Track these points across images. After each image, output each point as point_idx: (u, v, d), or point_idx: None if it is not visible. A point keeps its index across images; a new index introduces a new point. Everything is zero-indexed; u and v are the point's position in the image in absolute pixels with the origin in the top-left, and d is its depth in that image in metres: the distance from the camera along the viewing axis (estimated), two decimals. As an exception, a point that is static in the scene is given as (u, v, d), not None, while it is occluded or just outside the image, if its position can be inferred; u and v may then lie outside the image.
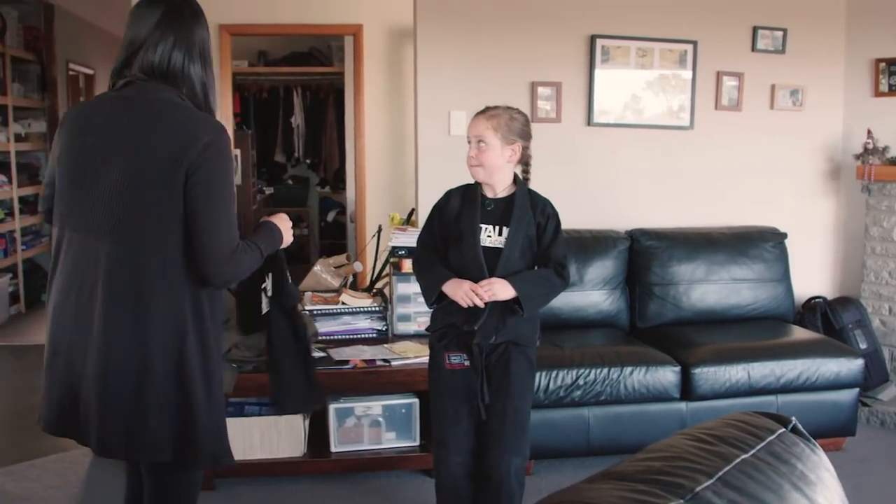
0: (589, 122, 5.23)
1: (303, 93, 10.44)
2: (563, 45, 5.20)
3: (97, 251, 2.27)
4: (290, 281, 2.75)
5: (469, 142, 3.17)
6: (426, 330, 3.38)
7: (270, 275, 2.68)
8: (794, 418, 1.44)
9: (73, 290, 2.31)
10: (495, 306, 3.08)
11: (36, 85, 8.97)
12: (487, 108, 3.17)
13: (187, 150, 2.22)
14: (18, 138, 8.47)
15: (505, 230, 3.10)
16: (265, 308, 2.68)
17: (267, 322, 2.70)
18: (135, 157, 2.24)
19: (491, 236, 3.11)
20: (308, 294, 4.70)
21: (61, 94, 9.34)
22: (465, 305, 3.05)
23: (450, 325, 3.17)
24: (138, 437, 2.30)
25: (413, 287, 4.47)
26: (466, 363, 3.14)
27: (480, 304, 3.03)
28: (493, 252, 3.10)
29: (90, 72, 10.38)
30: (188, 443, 2.33)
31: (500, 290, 3.03)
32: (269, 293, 2.68)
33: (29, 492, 4.14)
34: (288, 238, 2.60)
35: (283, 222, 2.61)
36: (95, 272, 2.27)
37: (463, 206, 3.19)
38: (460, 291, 3.05)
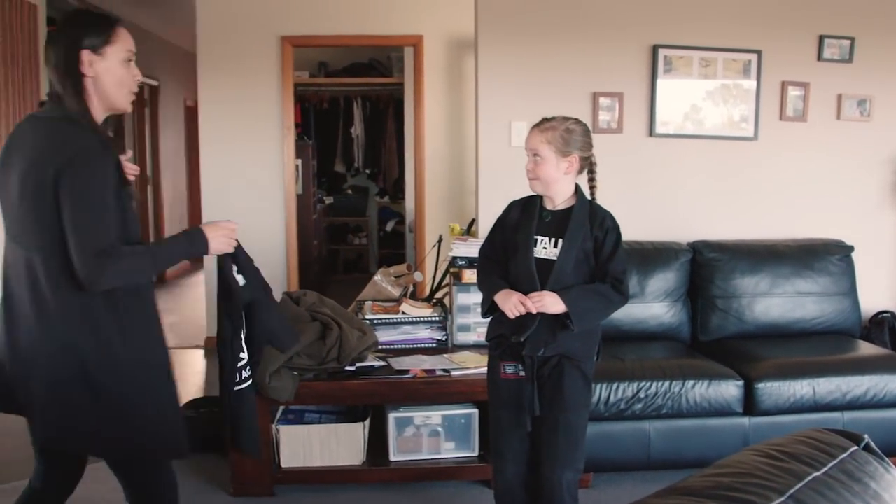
0: (651, 132, 5.19)
1: (363, 103, 10.52)
2: (624, 56, 5.17)
3: (18, 255, 2.50)
4: (237, 285, 2.84)
5: (527, 154, 3.16)
6: (486, 340, 3.37)
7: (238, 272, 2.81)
8: (866, 436, 1.41)
9: (6, 289, 2.56)
10: (546, 319, 3.06)
11: (103, 96, 9.15)
12: (543, 121, 3.16)
13: (57, 163, 2.36)
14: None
15: (560, 242, 3.09)
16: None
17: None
18: (26, 171, 2.43)
19: (546, 248, 3.10)
20: (368, 303, 4.73)
21: (127, 105, 9.51)
22: (511, 317, 3.05)
23: (500, 336, 3.17)
24: (64, 431, 2.50)
25: (473, 297, 4.48)
26: (521, 374, 3.13)
27: (532, 309, 3.02)
28: (546, 264, 3.08)
29: (155, 83, 10.57)
30: (112, 440, 2.50)
31: (551, 303, 3.01)
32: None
33: (92, 493, 4.19)
34: (217, 246, 2.66)
35: (215, 229, 2.66)
36: (17, 274, 2.50)
37: (522, 217, 3.18)
38: (509, 303, 3.05)
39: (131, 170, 2.80)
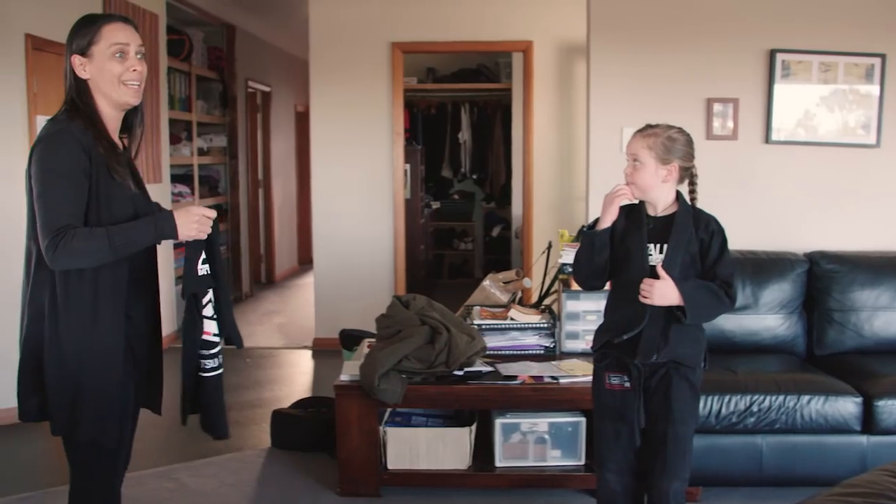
0: (767, 139, 5.07)
1: (470, 109, 10.56)
2: (740, 60, 5.06)
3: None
4: (195, 275, 2.72)
5: (627, 159, 3.12)
6: (591, 350, 3.33)
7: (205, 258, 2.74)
8: None
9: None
10: (655, 319, 3.01)
11: (218, 102, 9.42)
12: (647, 127, 3.10)
13: (30, 151, 2.55)
14: (201, 152, 8.91)
15: (665, 248, 3.04)
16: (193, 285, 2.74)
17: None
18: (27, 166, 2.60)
19: (652, 255, 3.05)
20: (476, 308, 4.73)
21: (240, 111, 9.78)
22: (615, 202, 3.08)
23: (606, 346, 3.14)
24: (21, 400, 2.66)
25: (582, 304, 4.44)
26: (627, 384, 3.09)
27: (629, 197, 3.06)
28: (653, 270, 3.03)
29: (267, 89, 10.82)
30: (45, 411, 2.63)
31: (663, 292, 2.95)
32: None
33: (206, 487, 4.32)
34: (186, 232, 2.61)
35: (185, 214, 2.62)
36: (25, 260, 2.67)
37: (628, 225, 3.13)
38: (607, 198, 3.11)
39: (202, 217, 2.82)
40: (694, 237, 3.05)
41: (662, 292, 2.95)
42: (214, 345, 2.78)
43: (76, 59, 2.61)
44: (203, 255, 2.70)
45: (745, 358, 4.49)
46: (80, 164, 2.50)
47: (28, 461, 4.63)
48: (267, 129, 10.92)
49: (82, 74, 2.62)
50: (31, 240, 2.58)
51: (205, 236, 2.66)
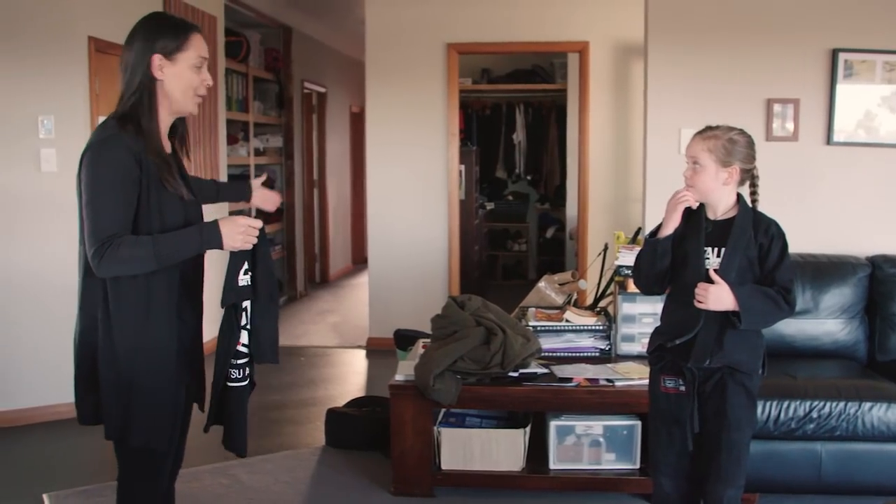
0: (828, 140, 4.98)
1: (525, 109, 10.54)
2: (801, 60, 4.98)
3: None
4: (235, 285, 2.70)
5: (687, 161, 3.08)
6: (646, 352, 3.30)
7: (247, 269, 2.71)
8: None
9: None
10: (710, 323, 2.97)
11: (274, 103, 9.51)
12: (707, 129, 3.05)
13: (80, 157, 2.56)
14: (257, 152, 9.02)
15: (723, 252, 2.99)
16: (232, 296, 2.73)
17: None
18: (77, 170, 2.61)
19: (709, 258, 3.01)
20: (532, 310, 4.72)
21: (296, 112, 9.86)
22: (679, 204, 3.01)
23: (661, 349, 3.10)
24: (78, 404, 2.68)
25: (638, 307, 4.41)
26: (682, 388, 3.06)
27: (691, 202, 3.01)
28: (710, 274, 2.99)
29: (322, 90, 10.89)
30: (98, 414, 2.64)
31: (718, 296, 2.91)
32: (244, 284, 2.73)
33: (261, 484, 4.36)
34: (232, 243, 2.60)
35: (231, 224, 2.61)
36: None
37: (687, 227, 3.08)
38: (670, 202, 3.04)
39: (269, 200, 2.88)
40: (753, 241, 3.00)
41: (717, 297, 2.91)
42: (243, 355, 2.77)
43: (157, 59, 2.60)
44: (245, 266, 2.70)
45: (805, 363, 4.42)
46: (130, 171, 2.50)
47: (88, 454, 4.72)
48: (322, 129, 11.00)
49: (157, 74, 2.61)
50: (81, 244, 2.61)
51: (250, 247, 2.66)
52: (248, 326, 2.76)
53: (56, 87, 5.25)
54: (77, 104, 5.31)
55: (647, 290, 3.24)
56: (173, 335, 2.64)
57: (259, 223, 2.67)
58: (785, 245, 3.03)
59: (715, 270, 2.96)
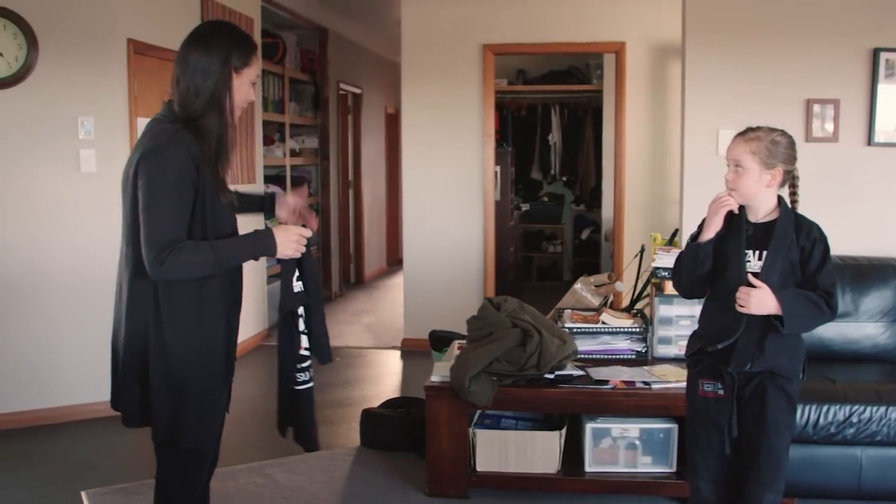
0: (869, 141, 4.92)
1: (560, 110, 10.51)
2: (841, 60, 4.93)
3: (121, 245, 2.70)
4: (292, 292, 2.79)
5: (727, 164, 3.03)
6: (685, 356, 3.26)
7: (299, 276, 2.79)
8: None
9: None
10: (751, 327, 2.94)
11: (310, 104, 9.56)
12: (748, 130, 2.99)
13: (136, 160, 2.56)
14: (293, 153, 9.06)
15: (764, 254, 2.96)
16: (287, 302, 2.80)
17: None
18: (127, 167, 2.63)
19: (750, 261, 2.97)
20: (567, 312, 4.70)
21: (332, 113, 9.90)
22: (722, 208, 2.96)
23: (700, 352, 3.07)
24: (124, 406, 2.71)
25: (675, 309, 4.38)
26: (720, 392, 3.02)
27: (733, 206, 2.96)
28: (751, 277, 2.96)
29: (358, 91, 10.93)
30: (146, 416, 2.66)
31: (760, 299, 2.87)
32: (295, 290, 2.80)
33: (297, 484, 4.38)
34: (284, 251, 2.66)
35: (285, 233, 2.68)
36: (119, 262, 2.72)
37: (727, 230, 3.04)
38: (713, 205, 2.99)
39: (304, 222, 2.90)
40: (795, 244, 2.96)
41: (760, 301, 2.87)
42: (306, 359, 2.85)
43: (231, 70, 2.67)
44: (297, 273, 2.77)
45: (845, 367, 4.37)
46: (190, 176, 2.53)
47: (126, 452, 4.77)
48: (357, 130, 11.03)
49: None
50: (129, 245, 2.61)
51: (300, 255, 2.72)
52: (306, 331, 2.83)
53: (96, 88, 5.31)
54: (116, 105, 5.36)
55: (687, 293, 3.22)
56: (222, 337, 2.69)
57: (309, 232, 2.75)
58: (827, 248, 2.99)
59: (756, 274, 2.92)
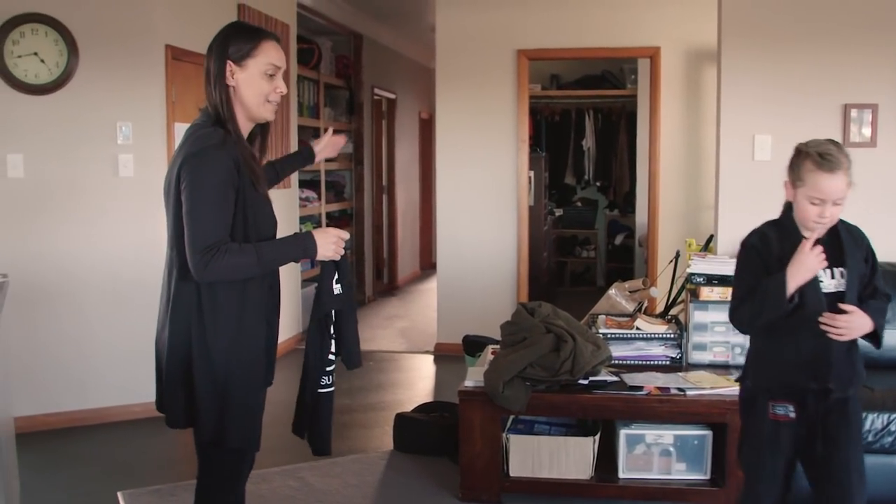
0: (908, 146, 4.86)
1: (594, 115, 10.47)
2: (879, 64, 4.88)
3: (166, 250, 2.72)
4: (331, 293, 2.78)
5: (814, 202, 2.75)
6: (745, 380, 3.04)
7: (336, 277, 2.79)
8: None
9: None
10: (842, 351, 2.80)
11: (344, 109, 9.60)
12: (829, 157, 2.72)
13: (179, 163, 2.57)
14: (327, 158, 9.07)
15: (837, 272, 2.81)
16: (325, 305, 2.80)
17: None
18: (168, 172, 2.65)
19: (823, 281, 2.80)
20: (602, 317, 4.68)
21: (366, 117, 9.94)
22: (819, 268, 2.72)
23: (770, 375, 2.90)
24: (166, 406, 2.71)
25: (710, 315, 4.36)
26: (792, 415, 2.86)
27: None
28: (830, 298, 2.79)
29: (392, 96, 10.96)
30: (192, 418, 2.66)
31: (860, 324, 2.73)
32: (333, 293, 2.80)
33: (330, 487, 4.40)
34: (325, 252, 2.68)
35: (324, 235, 2.69)
36: (165, 266, 2.73)
37: (787, 249, 2.82)
38: (807, 259, 2.69)
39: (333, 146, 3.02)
40: (861, 256, 2.86)
41: (859, 325, 2.73)
42: (332, 363, 2.86)
43: (229, 65, 2.65)
44: (336, 275, 2.78)
45: (883, 374, 4.30)
46: (233, 179, 2.55)
47: (161, 453, 4.80)
48: (392, 135, 11.07)
49: (229, 81, 2.66)
50: (173, 249, 2.63)
51: (339, 257, 2.74)
52: (334, 335, 2.84)
53: (134, 93, 5.38)
54: (154, 110, 5.42)
55: (751, 330, 3.01)
56: (263, 339, 2.72)
57: (347, 235, 2.76)
58: (873, 250, 2.91)
59: (839, 295, 2.77)
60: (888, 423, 3.82)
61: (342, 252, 2.74)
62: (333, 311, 2.82)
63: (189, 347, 2.62)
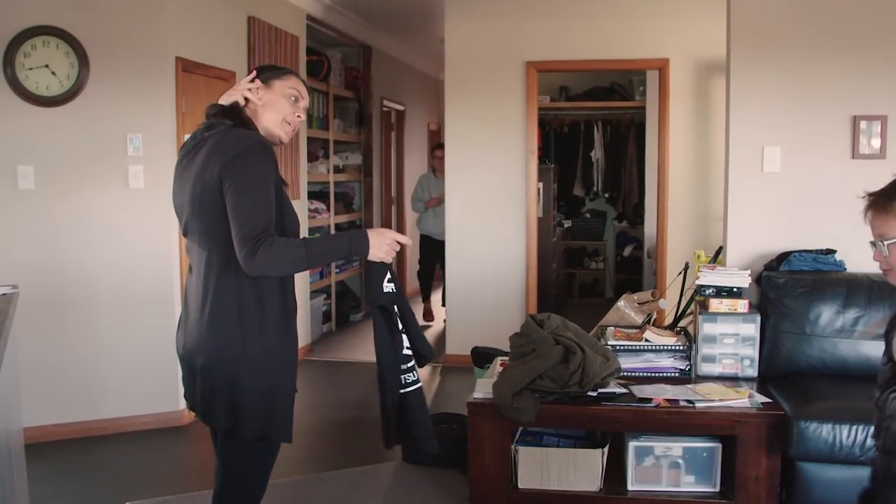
0: (918, 158, 4.85)
1: (603, 127, 10.48)
2: (889, 76, 4.85)
3: (197, 253, 2.74)
4: (381, 292, 2.81)
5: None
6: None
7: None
8: None
9: (186, 286, 2.84)
10: None
11: (354, 120, 9.63)
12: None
13: (224, 160, 2.60)
14: (336, 170, 9.13)
15: None
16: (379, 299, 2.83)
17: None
18: (200, 170, 2.67)
19: None
20: (611, 329, 4.68)
21: (375, 129, 9.97)
22: None
23: None
24: (206, 405, 2.70)
25: (719, 327, 4.35)
26: None
27: None
28: None
29: (401, 108, 10.99)
30: (236, 415, 2.67)
31: None
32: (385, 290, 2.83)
33: (337, 498, 4.40)
34: (377, 253, 2.72)
35: (379, 236, 2.74)
36: (197, 269, 2.74)
37: None
38: None
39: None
40: None
41: None
42: (410, 358, 2.87)
43: (256, 82, 2.82)
44: (388, 276, 2.81)
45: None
46: (275, 175, 2.65)
47: (169, 465, 4.81)
48: (401, 146, 11.09)
49: (253, 98, 2.81)
50: (213, 249, 2.66)
51: (390, 260, 2.78)
52: (405, 330, 2.86)
53: (145, 105, 5.41)
54: (164, 122, 5.45)
55: None
56: (297, 337, 2.81)
57: (407, 239, 2.83)
58: None
59: None
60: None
61: (394, 254, 2.79)
62: (396, 307, 2.85)
63: (232, 345, 2.65)
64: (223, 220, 2.59)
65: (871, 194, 2.55)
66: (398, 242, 2.78)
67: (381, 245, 2.73)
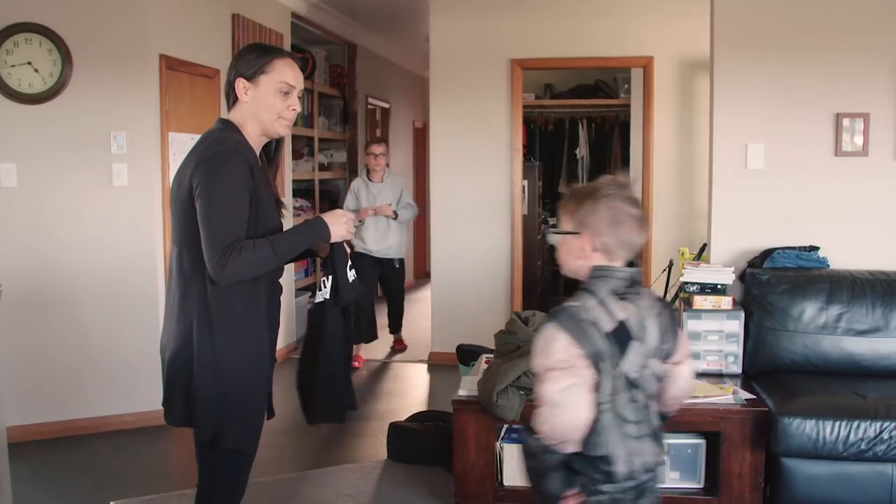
0: (901, 156, 4.88)
1: (588, 125, 10.49)
2: (871, 74, 4.88)
3: (172, 250, 2.75)
4: (350, 279, 2.87)
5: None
6: None
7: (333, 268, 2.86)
8: None
9: (167, 287, 2.85)
10: None
11: (339, 118, 9.61)
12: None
13: (195, 163, 2.61)
14: (321, 167, 9.12)
15: None
16: (324, 296, 2.88)
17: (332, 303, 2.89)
18: (178, 174, 2.70)
19: None
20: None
21: (360, 127, 9.96)
22: None
23: None
24: (167, 400, 2.73)
25: (703, 324, 4.37)
26: None
27: None
28: None
29: (386, 105, 10.98)
30: (191, 416, 2.67)
31: None
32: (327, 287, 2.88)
33: (323, 497, 4.39)
34: (338, 231, 2.77)
35: (333, 216, 2.79)
36: (170, 266, 2.76)
37: None
38: None
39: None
40: None
41: None
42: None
43: (240, 83, 2.74)
44: (349, 262, 2.86)
45: (875, 382, 4.31)
46: (247, 181, 2.61)
47: (153, 464, 4.79)
48: (386, 144, 11.05)
49: (242, 97, 2.75)
50: (183, 248, 2.66)
51: (351, 236, 2.84)
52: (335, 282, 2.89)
53: (128, 103, 5.38)
54: (148, 120, 5.43)
55: None
56: (267, 340, 2.78)
57: (352, 215, 2.89)
58: None
59: None
60: (880, 432, 3.81)
61: (353, 229, 2.84)
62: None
63: (193, 346, 2.64)
64: (193, 221, 2.59)
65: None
66: (349, 217, 2.83)
67: (339, 224, 2.78)
